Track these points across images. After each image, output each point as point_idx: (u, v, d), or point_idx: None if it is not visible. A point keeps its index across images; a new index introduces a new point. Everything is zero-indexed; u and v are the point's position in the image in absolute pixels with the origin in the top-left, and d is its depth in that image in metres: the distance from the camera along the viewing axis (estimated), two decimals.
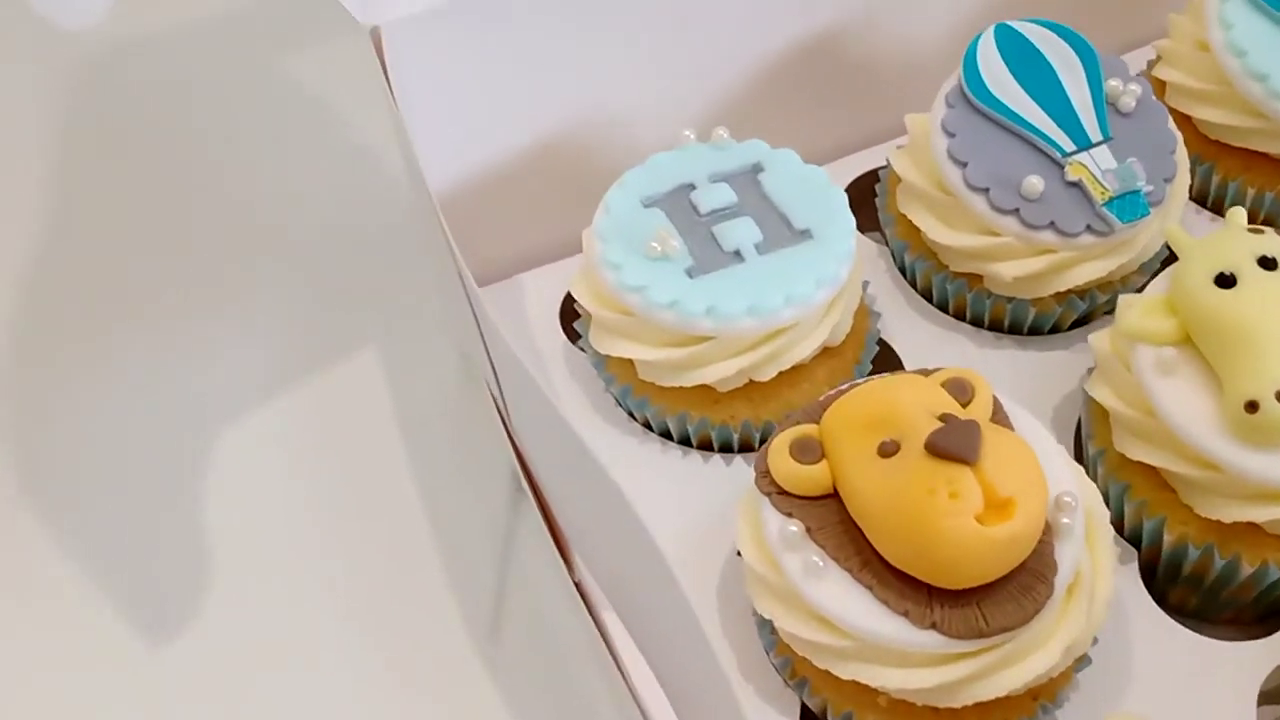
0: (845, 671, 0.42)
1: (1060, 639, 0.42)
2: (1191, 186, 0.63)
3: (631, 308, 0.51)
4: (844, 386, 0.47)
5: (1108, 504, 0.51)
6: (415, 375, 0.61)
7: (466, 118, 0.57)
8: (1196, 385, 0.47)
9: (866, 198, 0.63)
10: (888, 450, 0.42)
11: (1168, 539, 0.49)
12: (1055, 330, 0.59)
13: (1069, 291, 0.56)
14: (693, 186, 0.54)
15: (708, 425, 0.53)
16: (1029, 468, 0.40)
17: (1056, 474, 0.44)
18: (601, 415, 0.56)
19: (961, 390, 0.45)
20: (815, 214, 0.53)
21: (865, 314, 0.57)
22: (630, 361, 0.53)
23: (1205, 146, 0.62)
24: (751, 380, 0.52)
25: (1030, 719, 0.45)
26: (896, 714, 0.44)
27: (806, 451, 0.43)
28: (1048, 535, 0.42)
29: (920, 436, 0.41)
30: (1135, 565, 0.52)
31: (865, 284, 0.58)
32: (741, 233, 0.52)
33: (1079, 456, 0.55)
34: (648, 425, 0.56)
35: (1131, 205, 0.54)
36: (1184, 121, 0.63)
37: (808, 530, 0.43)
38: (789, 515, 0.43)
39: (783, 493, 0.43)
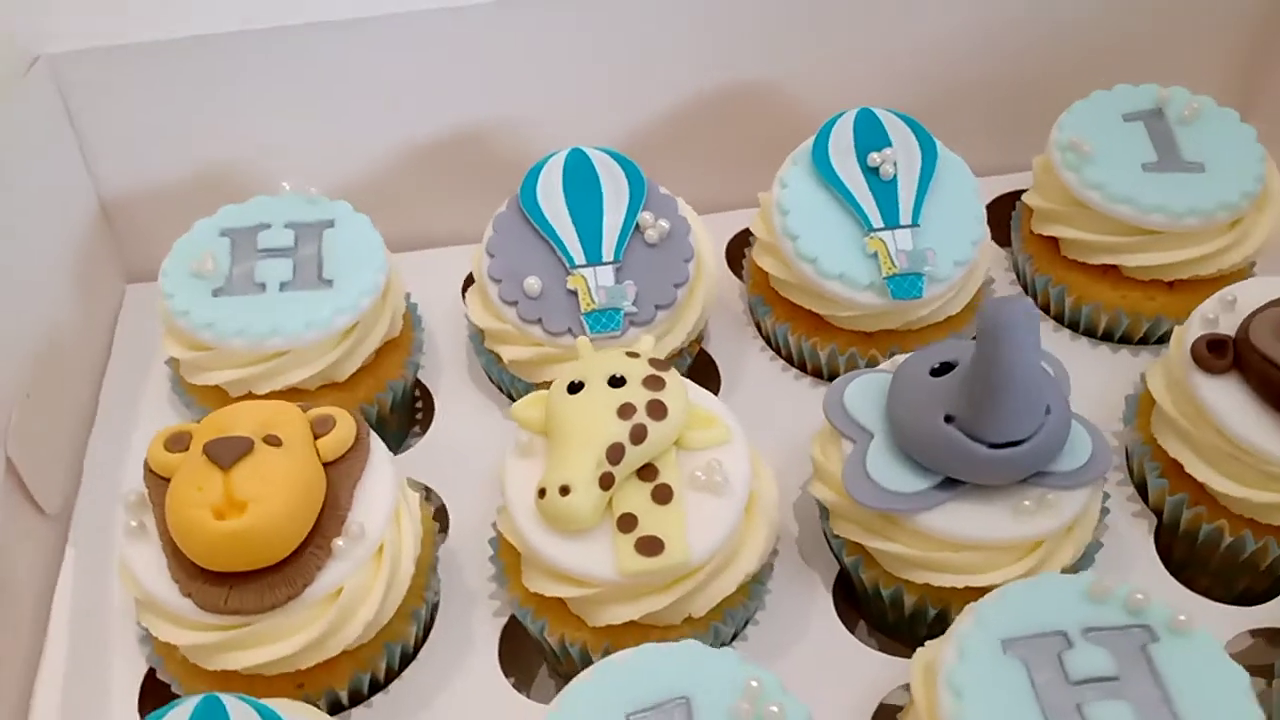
0: (143, 619, 0.52)
1: (301, 638, 0.50)
2: (762, 332, 0.70)
3: (165, 310, 0.62)
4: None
5: None
6: None
7: (144, 141, 0.70)
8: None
9: None
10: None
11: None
12: None
13: None
14: (267, 226, 0.65)
15: None
16: (278, 484, 0.49)
17: (378, 506, 0.53)
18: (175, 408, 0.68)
19: (323, 424, 0.54)
20: (346, 269, 0.63)
21: (400, 365, 0.66)
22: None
23: (769, 293, 0.69)
24: (251, 392, 0.62)
25: None
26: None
27: (177, 443, 0.53)
28: (322, 554, 0.51)
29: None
30: None
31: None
32: (275, 271, 0.63)
33: None
34: None
35: (607, 319, 0.61)
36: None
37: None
38: (146, 491, 0.53)
39: (153, 472, 0.53)
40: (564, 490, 0.52)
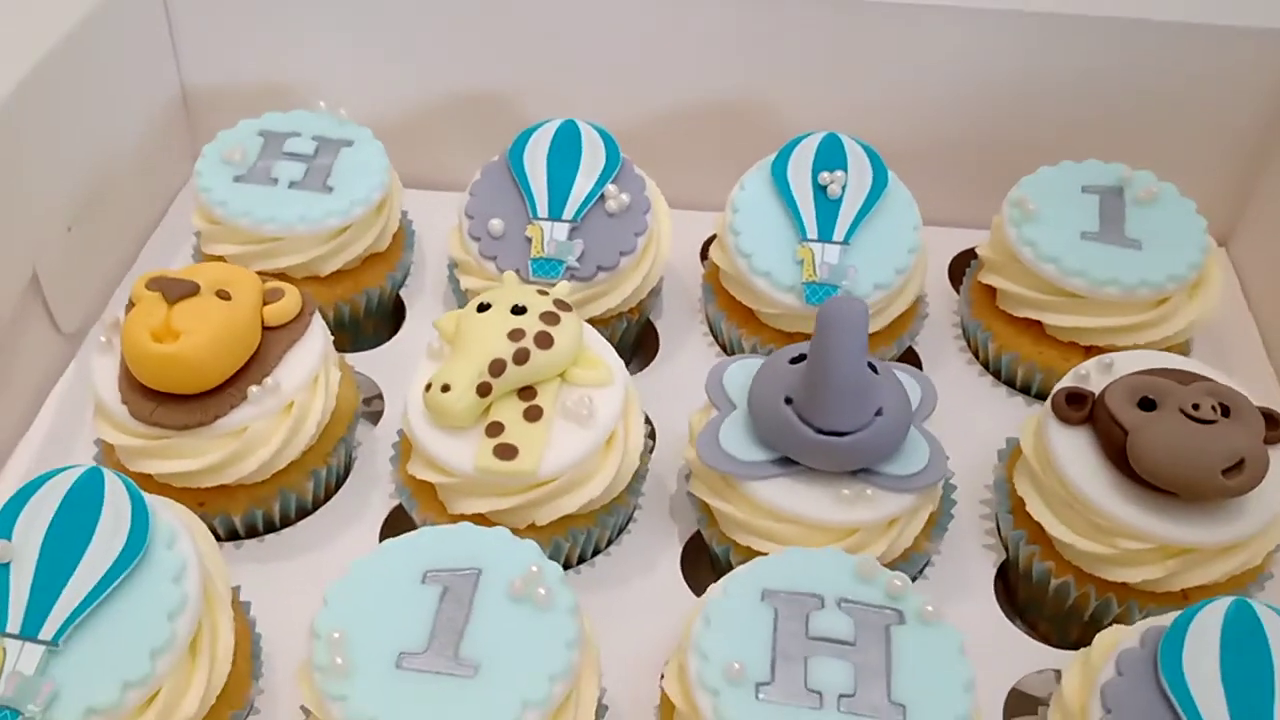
0: (94, 421, 0.62)
1: (204, 460, 0.59)
2: (707, 317, 0.76)
3: (194, 185, 0.73)
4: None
5: None
6: None
7: (229, 44, 0.82)
8: None
9: None
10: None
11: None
12: None
13: None
14: (297, 135, 0.75)
15: None
16: (210, 325, 0.58)
17: (299, 372, 0.61)
18: None
19: (274, 294, 0.63)
20: (347, 181, 0.72)
21: (381, 276, 0.75)
22: None
23: (716, 282, 0.75)
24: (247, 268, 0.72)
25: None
26: None
27: (156, 282, 0.63)
28: (238, 396, 0.60)
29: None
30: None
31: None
32: (289, 171, 0.73)
33: None
34: None
35: (550, 268, 0.69)
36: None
37: None
38: (122, 317, 0.63)
39: (131, 302, 0.63)
40: (445, 388, 0.59)
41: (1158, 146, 0.80)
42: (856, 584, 0.53)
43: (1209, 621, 0.50)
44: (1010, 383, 0.74)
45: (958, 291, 0.80)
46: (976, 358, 0.76)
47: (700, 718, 0.49)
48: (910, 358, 0.76)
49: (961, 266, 0.81)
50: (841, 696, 0.49)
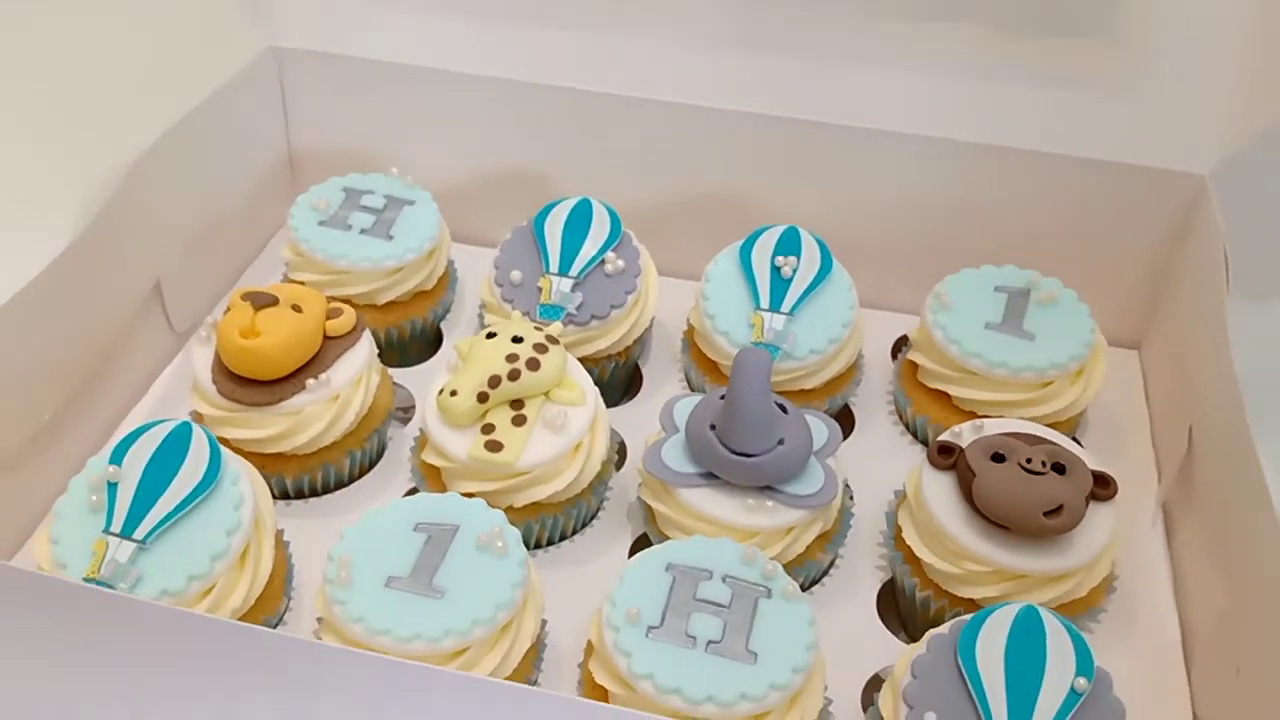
0: (191, 395, 0.81)
1: (267, 431, 0.77)
2: (685, 375, 0.93)
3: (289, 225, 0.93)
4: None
5: None
6: None
7: (331, 119, 1.02)
8: None
9: None
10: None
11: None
12: None
13: None
14: (372, 193, 0.94)
15: None
16: (284, 329, 0.77)
17: (346, 373, 0.79)
18: None
19: (335, 312, 0.81)
20: (405, 233, 0.92)
21: (426, 310, 0.93)
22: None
23: (691, 338, 0.92)
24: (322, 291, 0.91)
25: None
26: None
27: (259, 299, 0.82)
28: (297, 386, 0.78)
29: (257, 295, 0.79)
30: None
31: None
32: (360, 220, 0.92)
33: None
34: None
35: (553, 312, 0.87)
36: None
37: None
38: (216, 322, 0.82)
39: (228, 308, 0.83)
40: (453, 393, 0.77)
41: (1080, 262, 0.95)
42: (740, 565, 0.69)
43: (1001, 619, 0.65)
44: (924, 441, 0.89)
45: None
46: (901, 420, 0.91)
47: (605, 647, 0.65)
48: (846, 414, 0.92)
49: (901, 346, 0.97)
50: (710, 642, 0.65)
